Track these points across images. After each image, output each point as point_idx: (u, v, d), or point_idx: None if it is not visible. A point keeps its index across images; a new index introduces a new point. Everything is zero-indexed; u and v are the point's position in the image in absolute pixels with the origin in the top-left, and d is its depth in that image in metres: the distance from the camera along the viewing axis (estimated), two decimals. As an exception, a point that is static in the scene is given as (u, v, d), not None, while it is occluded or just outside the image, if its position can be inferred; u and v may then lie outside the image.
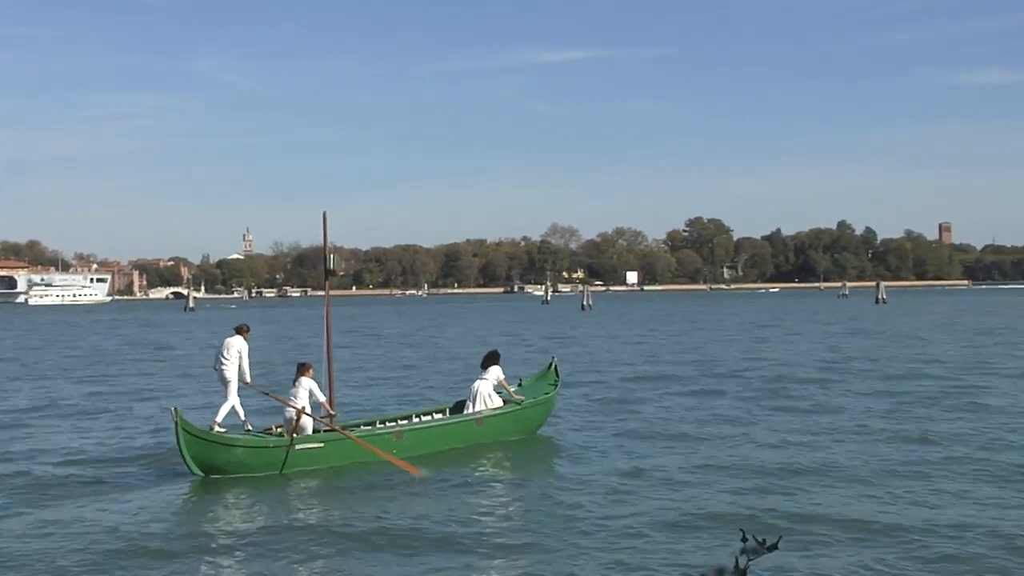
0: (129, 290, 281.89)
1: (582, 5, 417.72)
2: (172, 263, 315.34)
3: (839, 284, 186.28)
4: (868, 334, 54.37)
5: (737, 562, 4.23)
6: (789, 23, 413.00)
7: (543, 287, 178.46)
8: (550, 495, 14.76)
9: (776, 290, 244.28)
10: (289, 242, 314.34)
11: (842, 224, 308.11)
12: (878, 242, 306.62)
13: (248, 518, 13.99)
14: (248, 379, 17.71)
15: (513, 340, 53.80)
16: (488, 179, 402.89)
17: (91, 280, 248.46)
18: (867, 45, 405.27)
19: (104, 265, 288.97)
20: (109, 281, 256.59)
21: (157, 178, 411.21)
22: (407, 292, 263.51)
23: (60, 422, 23.62)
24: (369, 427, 18.27)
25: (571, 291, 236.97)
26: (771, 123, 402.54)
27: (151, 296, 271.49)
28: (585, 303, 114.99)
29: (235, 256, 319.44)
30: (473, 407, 18.92)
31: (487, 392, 19.04)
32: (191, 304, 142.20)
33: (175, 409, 15.99)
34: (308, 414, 16.86)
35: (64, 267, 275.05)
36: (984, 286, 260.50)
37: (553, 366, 21.38)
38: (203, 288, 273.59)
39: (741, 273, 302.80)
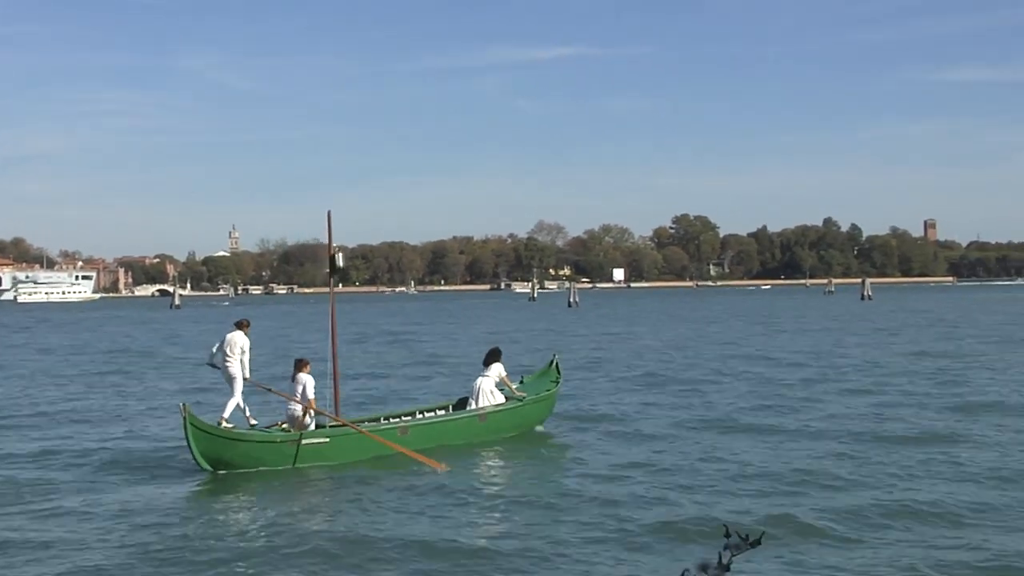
0: (114, 288, 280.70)
1: (567, 2, 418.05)
2: (158, 260, 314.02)
3: (825, 281, 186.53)
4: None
5: (720, 557, 4.27)
6: (774, 21, 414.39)
7: (528, 284, 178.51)
8: (547, 490, 14.96)
9: (767, 287, 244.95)
10: (275, 239, 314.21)
11: (828, 221, 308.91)
12: (864, 239, 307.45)
13: (256, 515, 14.12)
14: (248, 374, 17.78)
15: (509, 338, 53.76)
16: (475, 176, 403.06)
17: (76, 278, 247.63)
18: (851, 42, 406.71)
19: (89, 262, 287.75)
20: (94, 279, 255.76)
21: (143, 175, 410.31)
22: (397, 289, 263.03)
23: (71, 419, 23.84)
24: (373, 423, 18.44)
25: (557, 288, 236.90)
26: (757, 120, 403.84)
27: (137, 294, 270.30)
28: (572, 300, 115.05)
29: (221, 253, 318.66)
30: (476, 404, 19.19)
31: (489, 389, 19.30)
32: (177, 302, 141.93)
33: (183, 405, 16.20)
34: (320, 411, 17.05)
35: (49, 264, 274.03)
36: (969, 283, 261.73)
37: (555, 363, 21.56)
38: (189, 285, 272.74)
39: (727, 270, 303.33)
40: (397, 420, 18.59)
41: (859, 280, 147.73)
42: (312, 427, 17.05)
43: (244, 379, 17.66)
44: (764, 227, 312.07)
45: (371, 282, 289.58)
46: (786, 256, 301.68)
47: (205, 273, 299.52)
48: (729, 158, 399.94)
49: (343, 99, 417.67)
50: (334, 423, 17.43)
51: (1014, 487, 14.37)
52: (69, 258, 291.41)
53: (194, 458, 16.22)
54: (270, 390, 17.64)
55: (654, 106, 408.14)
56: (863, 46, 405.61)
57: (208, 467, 16.26)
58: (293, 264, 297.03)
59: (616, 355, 39.43)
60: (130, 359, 43.92)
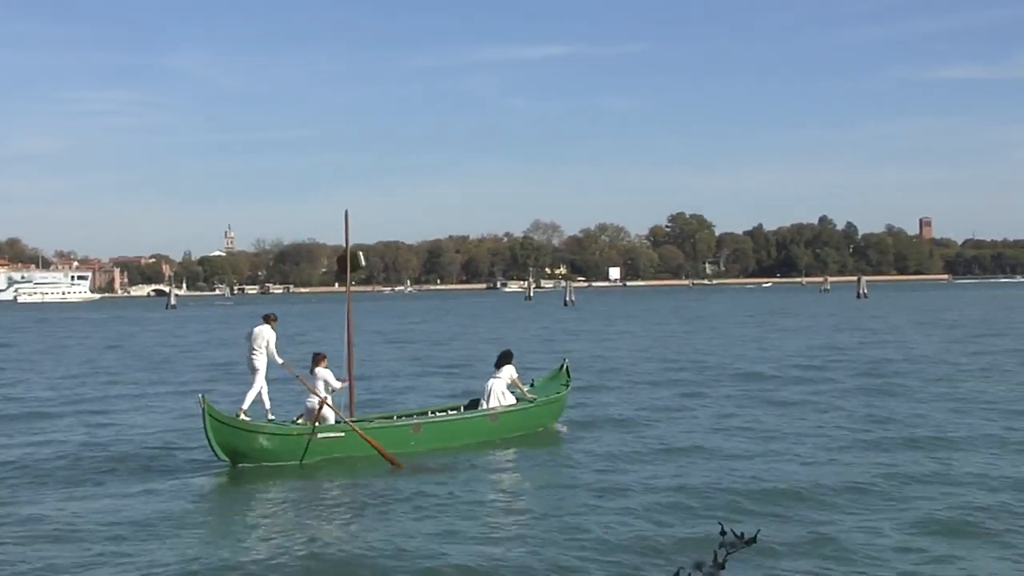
0: (110, 288, 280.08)
1: (561, 0, 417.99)
2: (153, 260, 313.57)
3: (821, 279, 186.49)
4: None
5: (716, 556, 4.25)
6: (769, 19, 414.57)
7: (522, 283, 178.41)
8: (552, 488, 15.25)
9: (768, 284, 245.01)
10: (271, 239, 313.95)
11: (823, 219, 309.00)
12: (859, 237, 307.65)
13: (270, 507, 14.55)
14: (280, 360, 18.13)
15: (507, 337, 53.82)
16: (470, 175, 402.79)
17: (72, 278, 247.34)
18: (846, 40, 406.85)
19: (85, 263, 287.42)
20: (90, 279, 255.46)
21: (138, 175, 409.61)
22: (395, 289, 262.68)
23: (96, 413, 24.79)
24: (387, 421, 18.82)
25: (553, 287, 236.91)
26: (752, 119, 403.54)
27: (132, 294, 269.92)
28: (568, 299, 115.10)
29: (217, 253, 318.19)
30: (487, 404, 19.54)
31: (500, 390, 19.67)
32: (173, 302, 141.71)
33: (202, 397, 16.70)
34: (331, 406, 17.38)
35: (45, 265, 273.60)
36: (965, 280, 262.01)
37: (565, 367, 21.93)
38: (184, 285, 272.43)
39: (723, 268, 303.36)
40: (410, 418, 18.97)
41: (855, 278, 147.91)
42: (331, 421, 17.40)
43: (279, 363, 18.05)
44: (760, 225, 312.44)
45: (367, 282, 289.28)
46: (782, 254, 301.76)
47: (201, 273, 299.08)
48: (724, 156, 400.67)
49: (337, 98, 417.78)
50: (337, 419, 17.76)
51: None
52: (65, 258, 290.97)
53: (212, 449, 16.62)
54: (298, 377, 17.92)
55: (649, 104, 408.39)
56: (857, 44, 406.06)
57: (225, 458, 16.71)
58: (289, 264, 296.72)
59: (617, 355, 39.52)
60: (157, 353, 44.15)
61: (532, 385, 21.14)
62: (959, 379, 27.73)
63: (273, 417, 17.96)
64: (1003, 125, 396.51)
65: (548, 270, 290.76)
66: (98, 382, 33.31)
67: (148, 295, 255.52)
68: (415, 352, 44.52)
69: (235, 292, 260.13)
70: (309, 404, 17.48)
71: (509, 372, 19.89)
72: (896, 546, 11.62)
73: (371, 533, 12.86)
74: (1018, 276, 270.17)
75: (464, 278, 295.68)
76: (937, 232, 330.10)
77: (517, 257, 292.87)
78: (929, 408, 22.28)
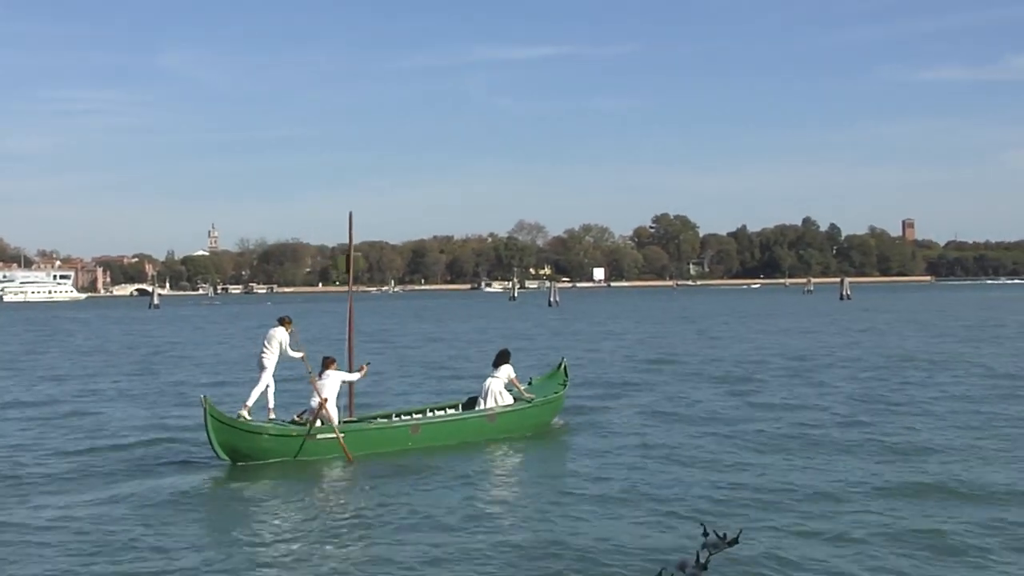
0: (93, 287, 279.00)
1: (549, 2, 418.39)
2: (136, 260, 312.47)
3: (804, 280, 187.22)
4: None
5: (698, 556, 4.31)
6: (753, 22, 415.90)
7: (506, 284, 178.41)
8: (543, 489, 15.36)
9: (757, 286, 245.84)
10: (255, 239, 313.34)
11: (807, 220, 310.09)
12: (842, 238, 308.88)
13: (268, 506, 14.67)
14: (299, 353, 18.28)
15: (493, 338, 53.80)
16: (455, 175, 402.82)
17: (54, 277, 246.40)
18: (833, 43, 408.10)
19: (67, 262, 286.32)
20: (72, 278, 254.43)
21: (121, 174, 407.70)
22: (382, 289, 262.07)
23: (100, 409, 25.27)
24: (385, 420, 19.03)
25: (537, 287, 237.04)
26: (736, 120, 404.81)
27: (115, 293, 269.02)
28: (552, 299, 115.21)
29: (200, 253, 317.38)
30: (485, 404, 19.69)
31: (498, 390, 19.79)
32: (156, 301, 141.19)
33: (204, 397, 16.95)
34: (326, 410, 17.44)
35: (27, 264, 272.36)
36: (947, 282, 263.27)
37: (563, 366, 21.99)
38: (168, 285, 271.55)
39: (707, 269, 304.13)
40: (408, 418, 19.12)
41: (838, 279, 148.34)
42: (335, 422, 17.57)
43: (297, 356, 18.23)
44: (744, 227, 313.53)
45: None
46: (765, 255, 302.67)
47: (184, 272, 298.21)
48: (709, 158, 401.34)
49: (323, 98, 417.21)
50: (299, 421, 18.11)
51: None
52: (47, 258, 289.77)
53: (213, 448, 16.79)
54: (310, 372, 18.06)
55: (634, 106, 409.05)
56: (845, 46, 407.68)
57: (226, 457, 16.89)
58: (273, 263, 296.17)
59: (602, 355, 39.59)
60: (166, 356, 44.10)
61: (530, 384, 21.21)
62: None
63: (275, 416, 18.14)
64: (988, 127, 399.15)
65: (532, 270, 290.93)
66: (96, 381, 33.43)
67: (131, 295, 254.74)
68: (402, 352, 44.46)
69: (218, 292, 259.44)
70: (313, 403, 17.66)
71: (507, 371, 19.96)
72: (878, 552, 11.69)
73: (366, 532, 12.96)
74: (1002, 278, 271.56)
75: (448, 278, 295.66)
76: (920, 234, 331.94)
77: (501, 257, 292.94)
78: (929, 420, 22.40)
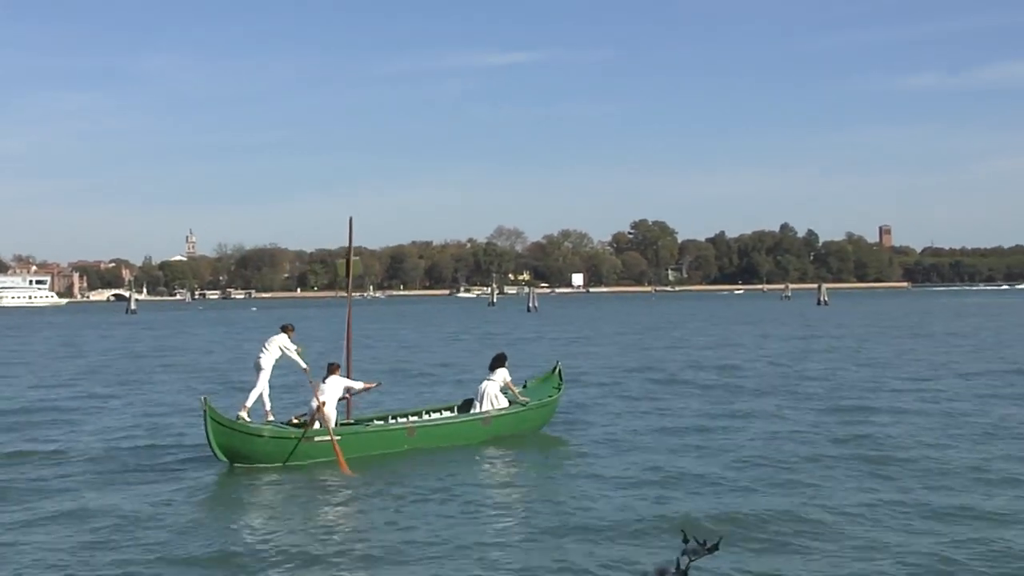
0: (69, 292, 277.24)
1: (524, 7, 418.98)
2: (113, 265, 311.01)
3: (782, 286, 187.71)
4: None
5: (678, 563, 4.33)
6: (730, 28, 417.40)
7: (485, 289, 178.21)
8: (537, 491, 15.50)
9: (741, 292, 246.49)
10: (233, 244, 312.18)
11: (785, 226, 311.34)
12: (820, 244, 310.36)
13: (265, 508, 14.81)
14: (304, 365, 18.52)
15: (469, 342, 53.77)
16: (433, 181, 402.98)
17: (30, 282, 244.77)
18: (807, 50, 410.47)
19: (43, 267, 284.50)
20: (48, 283, 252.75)
21: (98, 178, 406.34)
22: (364, 294, 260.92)
23: (97, 412, 25.58)
24: (381, 422, 19.21)
25: (516, 293, 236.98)
26: (714, 126, 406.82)
27: (91, 298, 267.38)
28: (531, 305, 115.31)
29: (178, 258, 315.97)
30: (480, 407, 19.89)
31: (494, 393, 19.97)
32: (133, 307, 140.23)
33: (204, 398, 17.10)
34: (324, 413, 17.59)
35: (2, 269, 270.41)
36: (923, 288, 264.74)
37: (557, 370, 22.15)
38: (145, 290, 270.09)
39: (686, 275, 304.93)
40: (404, 420, 19.29)
41: (815, 285, 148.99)
42: (332, 424, 17.72)
43: (302, 367, 18.46)
44: (722, 232, 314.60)
45: (329, 287, 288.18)
46: (743, 261, 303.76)
47: (162, 278, 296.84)
48: (687, 164, 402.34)
49: (300, 103, 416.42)
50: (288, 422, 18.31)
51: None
52: (23, 263, 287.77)
53: (212, 449, 16.89)
54: (311, 382, 18.34)
55: (612, 111, 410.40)
56: (820, 53, 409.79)
57: (225, 459, 17.00)
58: (251, 269, 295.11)
59: (585, 361, 39.64)
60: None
61: (524, 387, 21.34)
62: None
63: (273, 418, 18.32)
64: (963, 134, 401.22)
65: (511, 276, 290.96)
66: (91, 384, 33.47)
67: (108, 300, 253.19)
68: (382, 357, 44.40)
69: (196, 297, 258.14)
70: (313, 406, 17.81)
71: (502, 375, 20.16)
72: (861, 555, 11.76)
73: (362, 533, 13.10)
74: (980, 284, 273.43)
75: (427, 284, 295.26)
76: (897, 240, 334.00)
77: (480, 263, 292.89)
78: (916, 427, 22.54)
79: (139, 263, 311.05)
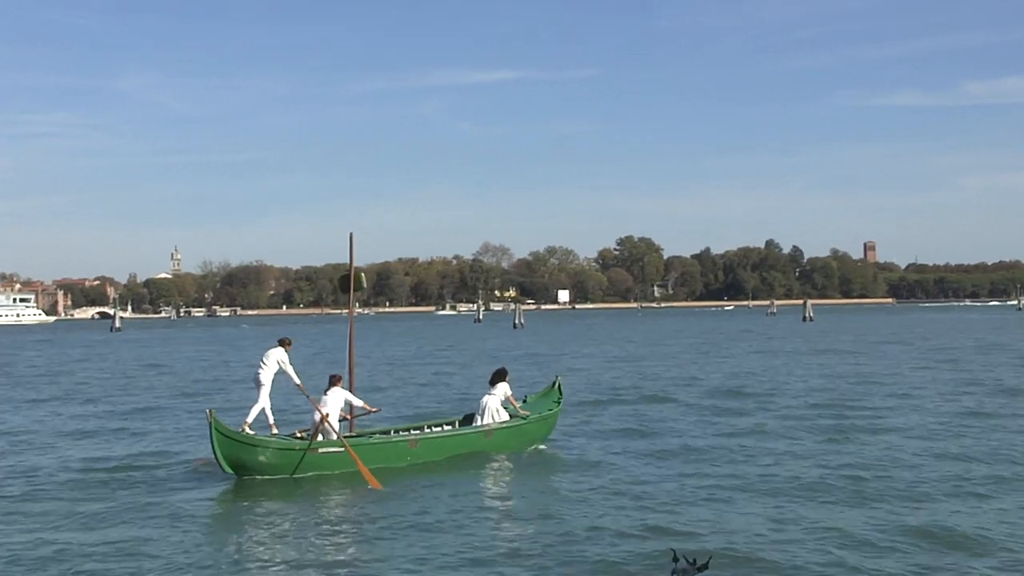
0: (53, 310, 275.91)
1: (511, 25, 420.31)
2: (98, 282, 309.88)
3: (767, 302, 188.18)
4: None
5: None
6: (715, 47, 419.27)
7: (471, 305, 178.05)
8: (536, 504, 15.53)
9: (731, 308, 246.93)
10: (218, 261, 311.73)
11: (770, 243, 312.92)
12: (805, 261, 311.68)
13: (271, 520, 14.82)
14: (297, 380, 18.70)
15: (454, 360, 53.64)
16: (419, 198, 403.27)
17: (14, 300, 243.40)
18: (792, 68, 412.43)
19: (28, 285, 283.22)
20: (33, 301, 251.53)
21: (82, 197, 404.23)
22: (356, 312, 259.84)
23: (103, 425, 25.91)
24: (384, 435, 19.40)
25: (503, 309, 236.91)
26: (699, 144, 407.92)
27: (76, 316, 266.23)
28: (517, 321, 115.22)
29: (163, 275, 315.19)
30: (481, 420, 20.14)
31: (495, 407, 20.24)
32: (118, 324, 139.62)
33: (209, 411, 17.18)
34: (329, 423, 17.83)
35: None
36: (908, 304, 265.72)
37: (557, 385, 22.40)
38: (130, 307, 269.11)
39: (671, 291, 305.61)
40: (407, 433, 19.46)
41: (800, 301, 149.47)
42: (333, 436, 17.86)
43: (296, 383, 18.61)
44: (707, 249, 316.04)
45: (315, 304, 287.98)
46: (729, 277, 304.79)
47: (146, 295, 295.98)
48: (672, 181, 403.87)
49: (285, 122, 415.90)
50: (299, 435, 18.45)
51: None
52: (7, 280, 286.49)
53: (218, 462, 17.01)
54: (308, 397, 18.49)
55: (598, 129, 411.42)
56: (804, 71, 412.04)
57: (230, 470, 17.09)
58: (236, 286, 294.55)
59: (576, 375, 39.51)
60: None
61: (524, 401, 21.53)
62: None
63: (277, 431, 18.44)
64: (947, 152, 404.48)
65: (498, 293, 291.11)
66: (95, 401, 33.48)
67: (92, 317, 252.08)
68: (371, 372, 44.33)
69: (181, 314, 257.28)
70: (315, 418, 17.94)
71: (503, 389, 20.36)
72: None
73: (365, 544, 13.20)
74: (966, 300, 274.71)
75: (413, 301, 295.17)
76: (881, 256, 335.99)
77: (467, 280, 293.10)
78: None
79: (124, 280, 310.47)
